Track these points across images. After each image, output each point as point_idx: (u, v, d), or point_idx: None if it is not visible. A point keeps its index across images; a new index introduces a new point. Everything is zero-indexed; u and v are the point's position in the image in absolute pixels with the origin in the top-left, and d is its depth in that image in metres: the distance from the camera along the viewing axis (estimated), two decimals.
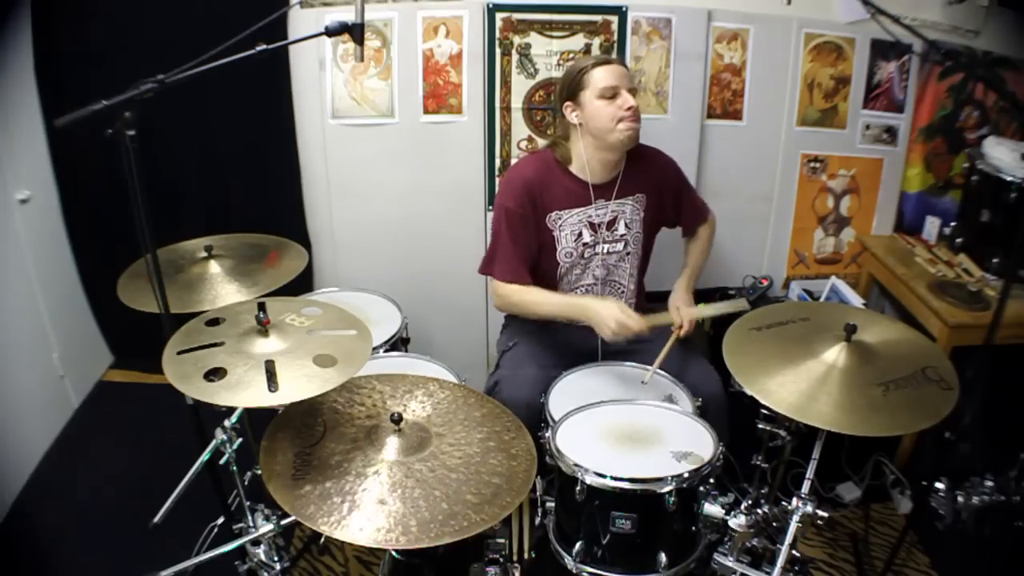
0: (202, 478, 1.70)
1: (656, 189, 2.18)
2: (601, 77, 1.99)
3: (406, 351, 2.30)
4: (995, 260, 2.47)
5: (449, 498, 1.41)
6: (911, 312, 2.51)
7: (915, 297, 2.47)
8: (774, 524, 1.75)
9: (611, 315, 1.96)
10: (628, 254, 2.18)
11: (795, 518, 1.63)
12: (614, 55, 2.52)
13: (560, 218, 2.09)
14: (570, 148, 2.09)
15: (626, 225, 2.15)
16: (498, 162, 2.66)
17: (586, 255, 2.14)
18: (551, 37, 2.51)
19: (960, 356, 2.13)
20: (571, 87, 2.04)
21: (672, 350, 2.12)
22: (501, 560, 1.65)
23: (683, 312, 2.12)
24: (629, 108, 2.00)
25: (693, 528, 1.74)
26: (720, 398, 2.04)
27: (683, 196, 2.29)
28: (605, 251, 2.15)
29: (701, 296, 2.77)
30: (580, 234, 2.11)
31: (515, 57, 2.53)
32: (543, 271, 2.14)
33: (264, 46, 1.51)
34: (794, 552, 1.73)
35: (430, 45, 2.52)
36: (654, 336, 2.16)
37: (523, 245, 2.09)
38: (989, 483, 2.05)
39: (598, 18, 2.50)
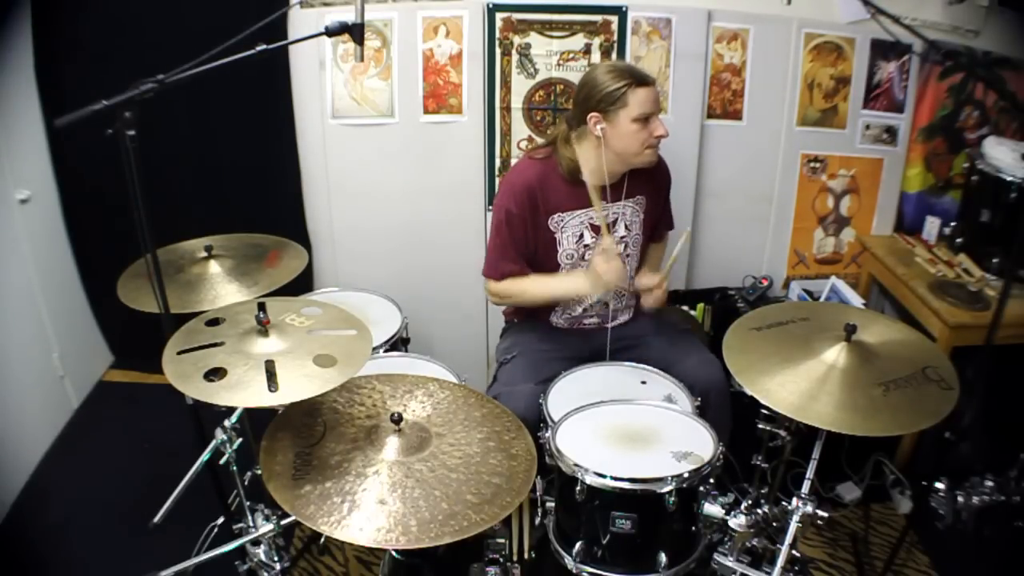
0: (202, 478, 1.70)
1: (655, 191, 2.19)
2: (641, 101, 1.93)
3: (406, 351, 2.30)
4: (995, 260, 2.47)
5: (449, 498, 1.41)
6: (911, 312, 2.51)
7: (915, 297, 2.47)
8: (774, 524, 1.75)
9: (596, 267, 1.97)
10: (628, 256, 2.18)
11: (795, 518, 1.63)
12: (614, 56, 2.52)
13: (562, 220, 2.08)
14: (577, 152, 2.05)
15: (626, 227, 2.15)
16: (498, 162, 2.66)
17: (587, 257, 2.13)
18: (551, 37, 2.51)
19: (960, 356, 2.12)
20: (605, 101, 1.94)
21: (670, 341, 2.16)
22: (501, 560, 1.65)
23: (652, 280, 2.11)
24: (659, 137, 1.99)
25: (693, 528, 1.74)
26: (722, 386, 2.03)
27: (668, 201, 2.30)
28: None
29: (700, 296, 2.79)
30: (581, 235, 2.11)
31: (515, 57, 2.53)
32: (544, 273, 2.13)
33: (264, 46, 1.51)
34: (794, 552, 1.73)
35: (430, 45, 2.52)
36: (645, 340, 2.18)
37: (520, 246, 2.08)
38: (989, 483, 2.05)
39: (598, 18, 2.49)
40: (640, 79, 1.94)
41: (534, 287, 2.11)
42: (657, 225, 2.30)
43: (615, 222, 2.13)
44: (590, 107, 1.97)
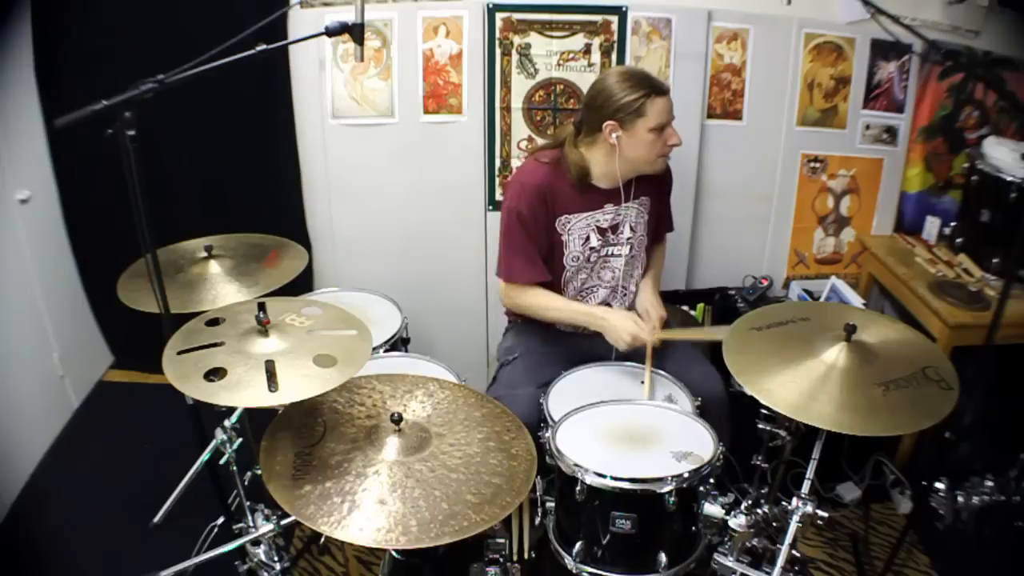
0: (202, 478, 1.70)
1: (658, 192, 2.19)
2: (659, 111, 1.93)
3: (406, 351, 2.30)
4: (995, 260, 2.47)
5: (449, 498, 1.41)
6: (911, 312, 2.51)
7: (915, 297, 2.47)
8: (774, 524, 1.75)
9: (626, 328, 1.99)
10: (632, 257, 2.18)
11: (795, 518, 1.63)
12: (614, 56, 2.52)
13: (569, 222, 2.08)
14: (587, 156, 2.04)
15: (631, 228, 2.14)
16: (498, 162, 2.66)
17: (592, 259, 2.13)
18: (551, 37, 2.51)
19: (960, 356, 2.13)
20: (623, 110, 1.93)
21: (673, 352, 2.13)
22: (501, 560, 1.65)
23: (652, 313, 2.13)
24: (672, 145, 2.00)
25: (693, 528, 1.74)
26: (721, 398, 2.04)
27: (668, 202, 2.31)
28: (611, 254, 2.15)
29: (700, 296, 2.79)
30: (588, 238, 2.11)
31: (515, 57, 2.53)
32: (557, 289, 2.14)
33: (264, 46, 1.51)
34: (794, 552, 1.73)
35: (430, 45, 2.52)
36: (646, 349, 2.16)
37: (535, 247, 2.07)
38: (989, 483, 2.05)
39: (598, 18, 2.49)
40: (658, 89, 1.94)
41: (553, 305, 2.11)
42: (658, 226, 2.30)
43: (621, 224, 2.13)
44: (606, 115, 1.96)
